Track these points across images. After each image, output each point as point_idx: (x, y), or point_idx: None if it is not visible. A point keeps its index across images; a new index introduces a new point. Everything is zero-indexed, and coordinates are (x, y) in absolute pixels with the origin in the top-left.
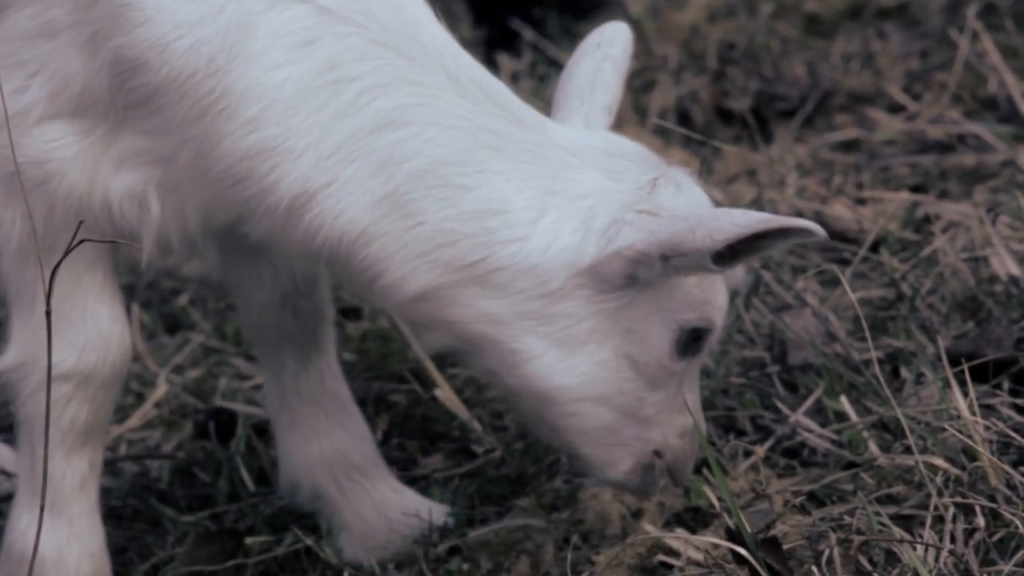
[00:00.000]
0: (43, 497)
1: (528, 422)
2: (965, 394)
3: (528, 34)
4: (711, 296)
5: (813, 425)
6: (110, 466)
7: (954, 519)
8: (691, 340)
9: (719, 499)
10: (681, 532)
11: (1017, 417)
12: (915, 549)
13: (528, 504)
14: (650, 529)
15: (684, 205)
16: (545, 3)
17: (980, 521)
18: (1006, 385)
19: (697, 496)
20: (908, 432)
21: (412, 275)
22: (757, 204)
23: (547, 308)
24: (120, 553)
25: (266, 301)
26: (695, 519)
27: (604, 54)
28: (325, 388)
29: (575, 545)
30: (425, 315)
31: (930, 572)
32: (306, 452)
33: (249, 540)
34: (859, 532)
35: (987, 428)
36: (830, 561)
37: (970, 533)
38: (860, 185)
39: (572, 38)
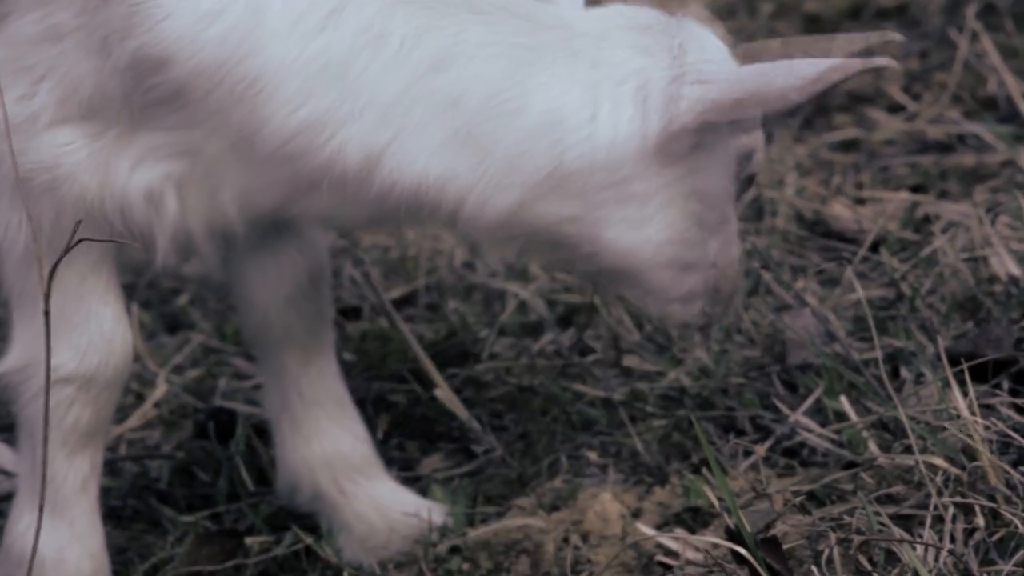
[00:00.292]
0: (42, 498)
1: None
2: (965, 394)
3: None
4: (756, 144)
5: (813, 425)
6: (110, 466)
7: (954, 519)
8: (742, 186)
9: (719, 499)
10: (680, 532)
11: (1017, 417)
12: (915, 549)
13: (528, 504)
14: (649, 530)
15: (720, 61)
16: None
17: (980, 521)
18: (1006, 385)
19: (696, 496)
20: (908, 432)
21: (491, 204)
22: (756, 204)
23: (619, 194)
24: (120, 553)
25: (270, 302)
26: (695, 519)
27: None
28: (326, 389)
29: (575, 545)
30: (505, 234)
31: (930, 572)
32: (306, 453)
33: (249, 540)
34: (859, 532)
35: (987, 428)
36: (830, 561)
37: (970, 533)
38: (860, 185)
39: None
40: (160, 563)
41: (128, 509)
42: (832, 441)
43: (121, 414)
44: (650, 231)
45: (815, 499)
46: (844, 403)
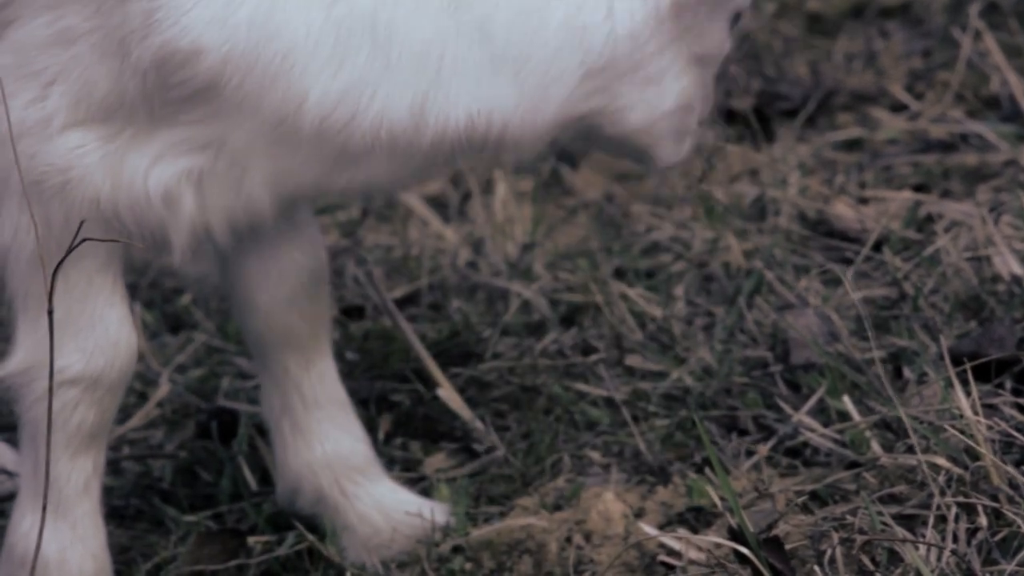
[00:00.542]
0: (44, 498)
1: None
2: (968, 394)
3: None
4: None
5: (816, 425)
6: (112, 465)
7: (956, 519)
8: (733, 23)
9: (721, 499)
10: (683, 532)
11: (1020, 416)
12: (917, 549)
13: (531, 504)
14: (652, 529)
15: None
16: None
17: (983, 521)
18: (1009, 384)
19: (699, 496)
20: (911, 432)
21: (532, 122)
22: (759, 203)
23: (641, 77)
24: (123, 552)
25: (272, 304)
26: (697, 519)
27: None
28: (327, 390)
29: (577, 544)
30: (541, 142)
31: (932, 572)
32: (308, 456)
33: (251, 540)
34: (861, 532)
35: (990, 428)
36: (832, 561)
37: (972, 533)
38: (862, 184)
39: None
40: (163, 562)
41: (131, 509)
42: (835, 441)
43: (124, 414)
44: (666, 104)
45: (818, 499)
46: (847, 403)
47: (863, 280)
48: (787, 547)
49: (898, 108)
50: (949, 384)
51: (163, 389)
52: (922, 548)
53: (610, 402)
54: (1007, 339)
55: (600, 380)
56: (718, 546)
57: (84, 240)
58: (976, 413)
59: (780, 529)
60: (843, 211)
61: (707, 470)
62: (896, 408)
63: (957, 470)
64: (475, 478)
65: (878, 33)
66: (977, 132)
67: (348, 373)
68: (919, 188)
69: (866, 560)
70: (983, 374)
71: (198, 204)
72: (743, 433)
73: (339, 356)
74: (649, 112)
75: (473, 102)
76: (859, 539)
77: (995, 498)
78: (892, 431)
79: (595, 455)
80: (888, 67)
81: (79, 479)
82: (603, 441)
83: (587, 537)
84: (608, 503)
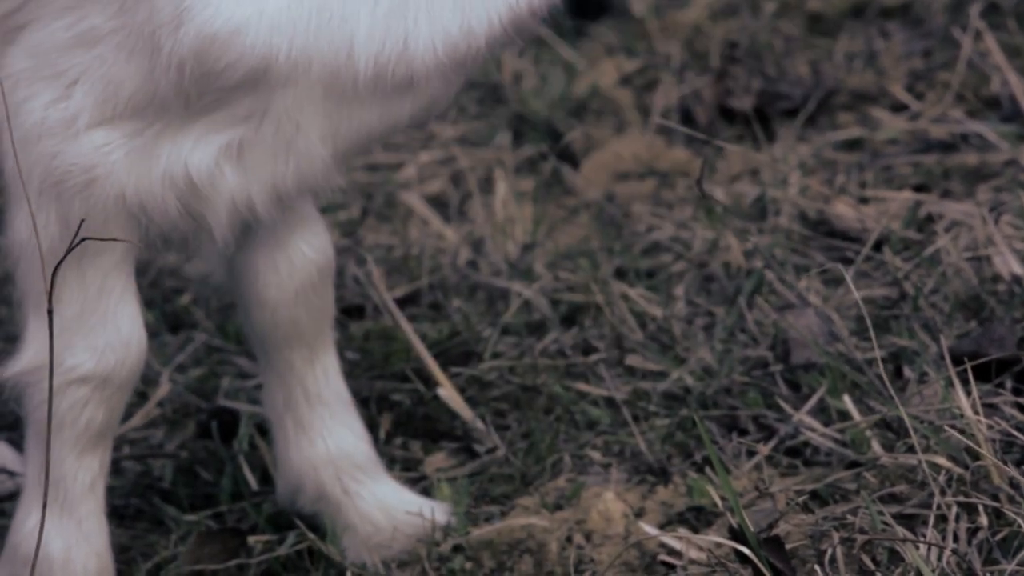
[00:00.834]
0: (45, 496)
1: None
2: (968, 393)
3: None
4: None
5: (816, 424)
6: (113, 465)
7: (957, 518)
8: None
9: (722, 498)
10: (683, 531)
11: (1020, 416)
12: (918, 548)
13: (531, 503)
14: (652, 529)
15: None
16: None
17: (983, 520)
18: (1009, 384)
19: (700, 495)
20: (911, 431)
21: None
22: (760, 203)
23: None
24: (123, 552)
25: (280, 298)
26: (698, 518)
27: None
28: (331, 387)
29: (578, 544)
30: None
31: (933, 571)
32: (310, 453)
33: (252, 539)
34: (862, 531)
35: (990, 427)
36: (833, 560)
37: (973, 532)
38: (863, 184)
39: (580, 38)
40: (163, 562)
41: (131, 508)
42: (835, 440)
43: (124, 413)
44: None
45: (818, 498)
46: (847, 403)
47: (863, 280)
48: (788, 547)
49: (898, 108)
50: (949, 384)
51: (163, 389)
52: (923, 548)
53: (611, 402)
54: (1007, 339)
55: (600, 380)
56: (718, 545)
57: (84, 239)
58: (977, 413)
59: (781, 529)
60: (843, 211)
61: (707, 470)
62: (897, 408)
63: (958, 470)
64: (475, 478)
65: (879, 33)
66: (977, 132)
67: (348, 373)
68: (919, 188)
69: (867, 560)
70: (983, 374)
71: (240, 178)
72: (743, 433)
73: (339, 356)
74: None
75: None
76: (860, 539)
77: (996, 498)
78: (892, 431)
79: (595, 455)
80: (889, 67)
81: (86, 478)
82: (603, 441)
83: (588, 537)
84: (608, 503)
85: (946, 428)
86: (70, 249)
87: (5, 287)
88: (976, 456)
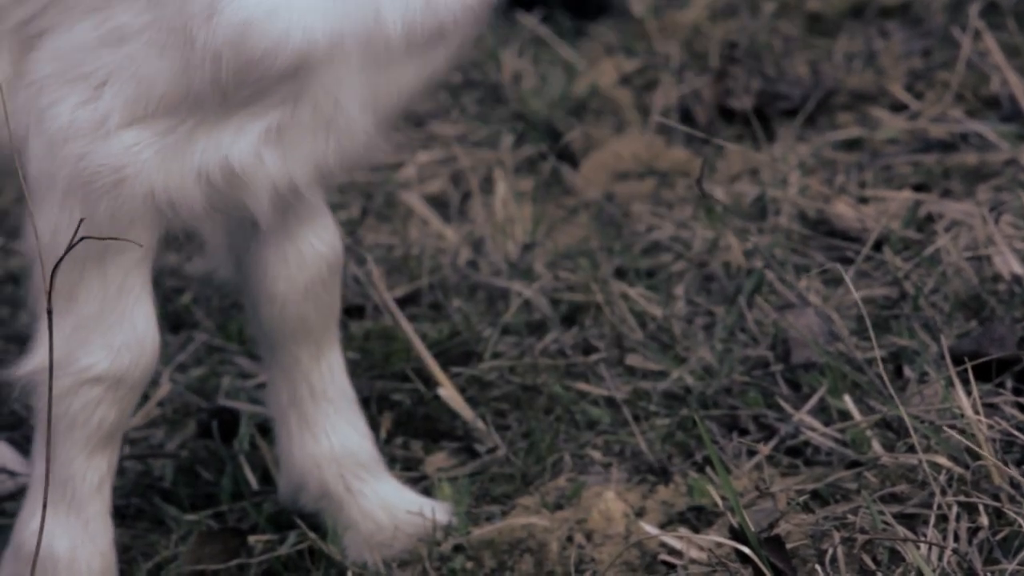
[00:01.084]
0: (45, 495)
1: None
2: (968, 393)
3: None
4: None
5: (816, 424)
6: None
7: (958, 518)
8: None
9: (722, 498)
10: (684, 531)
11: (1021, 416)
12: (919, 548)
13: (532, 503)
14: (653, 528)
15: None
16: (549, 1)
17: (984, 520)
18: (1009, 384)
19: (700, 495)
20: (912, 431)
21: None
22: (760, 202)
23: None
24: (124, 552)
25: (289, 293)
26: (698, 518)
27: None
28: (336, 384)
29: (578, 544)
30: None
31: (934, 571)
32: (314, 450)
33: (252, 539)
34: (863, 531)
35: (990, 427)
36: (834, 560)
37: (974, 532)
38: (863, 184)
39: (579, 38)
40: (163, 562)
41: (132, 508)
42: (836, 440)
43: None
44: None
45: (819, 498)
46: (848, 402)
47: (863, 279)
48: (788, 546)
49: (898, 108)
50: (950, 383)
51: (164, 388)
52: (923, 547)
53: (611, 401)
54: (1008, 338)
55: (601, 379)
56: (719, 545)
57: (83, 239)
58: (977, 412)
59: (781, 528)
60: (843, 211)
61: (708, 469)
62: (897, 407)
63: (958, 469)
64: (476, 477)
65: (878, 33)
66: (977, 132)
67: (349, 372)
68: (919, 188)
69: (867, 559)
70: (984, 373)
71: (280, 162)
72: (744, 432)
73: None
74: None
75: None
76: (860, 538)
77: (996, 497)
78: (893, 430)
79: (596, 454)
80: (888, 67)
81: (94, 478)
82: (604, 440)
83: (588, 536)
84: (609, 502)
85: (946, 428)
86: (70, 247)
87: (6, 287)
88: (977, 456)
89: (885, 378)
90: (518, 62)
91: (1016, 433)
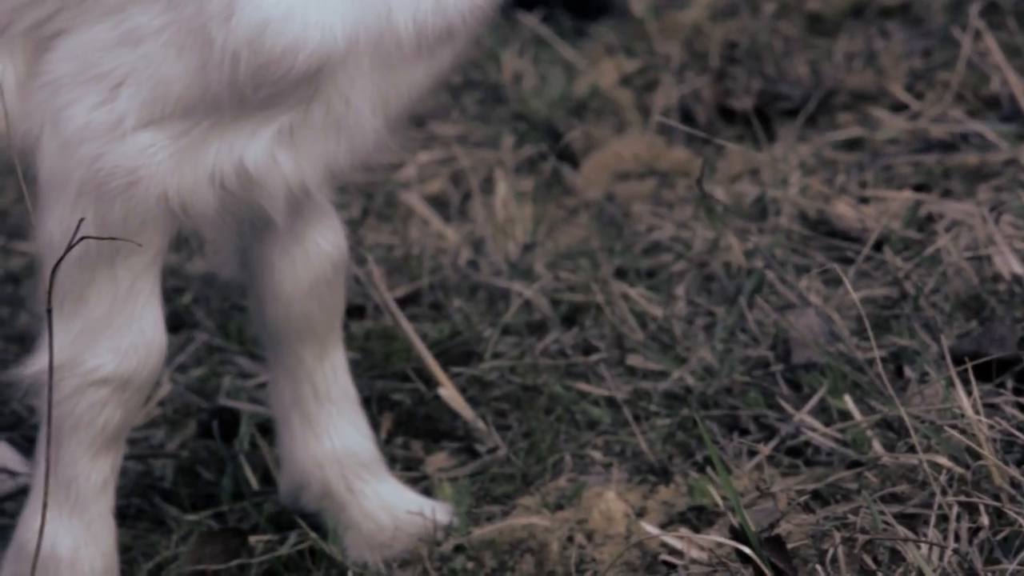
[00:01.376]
0: (46, 495)
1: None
2: (969, 393)
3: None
4: None
5: (817, 424)
6: None
7: (958, 518)
8: None
9: (723, 498)
10: (685, 531)
11: (1021, 416)
12: (919, 548)
13: (532, 503)
14: (653, 529)
15: None
16: (550, 1)
17: (984, 520)
18: (1010, 384)
19: (701, 495)
20: (912, 431)
21: None
22: (760, 203)
23: None
24: (124, 552)
25: (294, 292)
26: (699, 518)
27: None
28: (339, 384)
29: (579, 544)
30: None
31: (934, 571)
32: (316, 450)
33: (253, 539)
34: (863, 531)
35: (991, 427)
36: (834, 560)
37: (974, 532)
38: (863, 184)
39: (580, 38)
40: (164, 562)
41: (132, 508)
42: (836, 440)
43: None
44: None
45: (819, 498)
46: (848, 402)
47: (864, 280)
48: (789, 546)
49: (898, 108)
50: (950, 383)
51: (164, 388)
52: (924, 547)
53: (611, 401)
54: (1008, 338)
55: (601, 380)
56: (720, 545)
57: (83, 238)
58: (977, 412)
59: (782, 528)
60: (844, 211)
61: (708, 469)
62: (897, 408)
63: (959, 469)
64: (477, 477)
65: (878, 33)
66: (977, 132)
67: (350, 372)
68: (920, 188)
69: (868, 559)
70: (984, 373)
71: (293, 162)
72: (744, 432)
73: None
74: None
75: None
76: (861, 538)
77: (997, 497)
78: (893, 430)
79: (596, 454)
80: (888, 67)
81: (98, 479)
82: (604, 440)
83: (589, 536)
84: (610, 502)
85: (947, 428)
86: (68, 248)
87: (6, 287)
88: (977, 456)
89: (885, 378)
90: (519, 62)
91: (1016, 433)
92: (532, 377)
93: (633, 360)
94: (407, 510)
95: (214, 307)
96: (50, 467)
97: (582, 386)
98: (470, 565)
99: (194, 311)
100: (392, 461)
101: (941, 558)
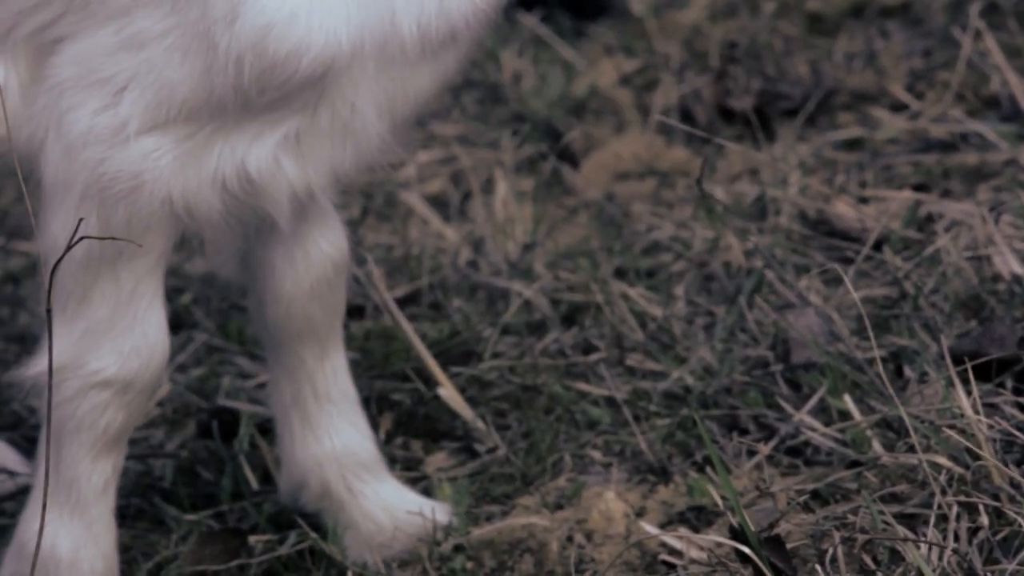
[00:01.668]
0: (45, 496)
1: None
2: (968, 393)
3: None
4: None
5: (817, 424)
6: None
7: (958, 518)
8: None
9: (722, 498)
10: (684, 531)
11: (1021, 416)
12: (919, 548)
13: (532, 503)
14: (653, 528)
15: None
16: (549, 1)
17: (984, 520)
18: (1009, 384)
19: (700, 495)
20: (912, 431)
21: None
22: (760, 202)
23: None
24: (124, 552)
25: (296, 293)
26: (698, 518)
27: None
28: (339, 385)
29: (579, 543)
30: None
31: (934, 571)
32: (317, 450)
33: (253, 539)
34: (863, 531)
35: (990, 427)
36: (834, 560)
37: (974, 532)
38: (863, 184)
39: (579, 38)
40: (164, 562)
41: (132, 508)
42: (836, 440)
43: None
44: None
45: (819, 498)
46: (848, 402)
47: (864, 279)
48: (788, 546)
49: (898, 108)
50: (950, 383)
51: (164, 388)
52: (923, 547)
53: (611, 401)
54: (1008, 338)
55: (601, 379)
56: (719, 545)
57: (83, 238)
58: (977, 412)
59: (781, 528)
60: (843, 210)
61: (708, 469)
62: (897, 407)
63: (958, 469)
64: (476, 477)
65: (878, 33)
66: (977, 132)
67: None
68: (919, 187)
69: (867, 559)
70: (984, 373)
71: (298, 167)
72: (744, 432)
73: None
74: None
75: None
76: (860, 538)
77: (996, 497)
78: (893, 430)
79: (596, 454)
80: (888, 67)
81: (99, 481)
82: (604, 440)
83: (588, 536)
84: (609, 502)
85: (946, 428)
86: (68, 247)
87: (6, 287)
88: (977, 456)
89: (885, 378)
90: (518, 62)
91: (1016, 433)
92: (532, 377)
93: (633, 360)
94: (406, 510)
95: (214, 307)
96: (50, 468)
97: (582, 386)
98: (469, 565)
99: (194, 311)
100: (391, 461)
101: (940, 558)
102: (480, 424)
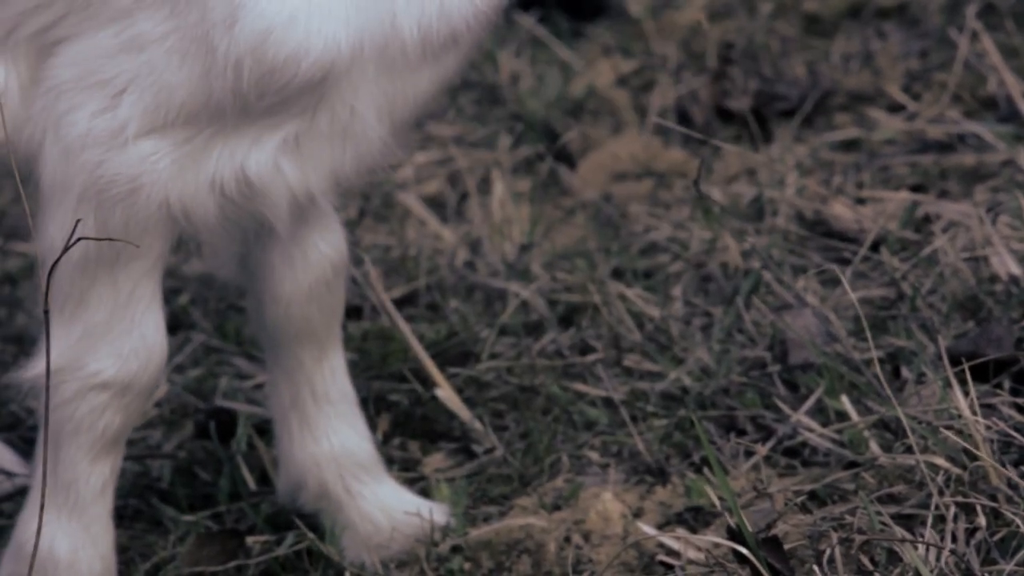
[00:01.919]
0: (43, 496)
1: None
2: (966, 394)
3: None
4: None
5: (814, 425)
6: None
7: (955, 518)
8: None
9: (720, 498)
10: (682, 531)
11: (1018, 416)
12: (916, 548)
13: (529, 503)
14: (650, 529)
15: None
16: (546, 2)
17: (981, 520)
18: (1007, 384)
19: (698, 495)
20: (909, 432)
21: None
22: (757, 203)
23: None
24: (122, 553)
25: (294, 294)
26: (696, 518)
27: None
28: (337, 385)
29: (576, 544)
30: None
31: (931, 571)
32: (315, 451)
33: (250, 540)
34: (860, 531)
35: (988, 428)
36: (831, 560)
37: (971, 532)
38: (860, 184)
39: (577, 39)
40: (161, 563)
41: (129, 509)
42: (833, 441)
43: None
44: None
45: (816, 499)
46: (845, 403)
47: (861, 280)
48: (786, 547)
49: (895, 108)
50: (947, 384)
51: (161, 389)
52: (921, 548)
53: (608, 402)
54: (1005, 339)
55: (598, 380)
56: (717, 546)
57: (79, 239)
58: (974, 413)
59: (779, 529)
60: (841, 211)
61: (706, 470)
62: (894, 408)
63: (956, 470)
64: (474, 478)
65: (875, 34)
66: (974, 132)
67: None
68: (916, 188)
69: (865, 560)
70: (981, 374)
71: (298, 171)
72: (741, 433)
73: None
74: None
75: None
76: (858, 539)
77: (994, 498)
78: (890, 431)
79: (593, 455)
80: (885, 68)
81: (97, 482)
82: (601, 441)
83: (586, 537)
84: (607, 503)
85: (944, 429)
86: (65, 249)
87: (4, 288)
88: (974, 456)
89: (882, 379)
90: (515, 63)
91: (1013, 434)
92: (529, 378)
93: (630, 360)
94: (404, 511)
95: (211, 308)
96: (48, 469)
97: (579, 387)
98: (467, 566)
99: (191, 312)
100: (389, 462)
101: (938, 559)
102: (477, 425)
